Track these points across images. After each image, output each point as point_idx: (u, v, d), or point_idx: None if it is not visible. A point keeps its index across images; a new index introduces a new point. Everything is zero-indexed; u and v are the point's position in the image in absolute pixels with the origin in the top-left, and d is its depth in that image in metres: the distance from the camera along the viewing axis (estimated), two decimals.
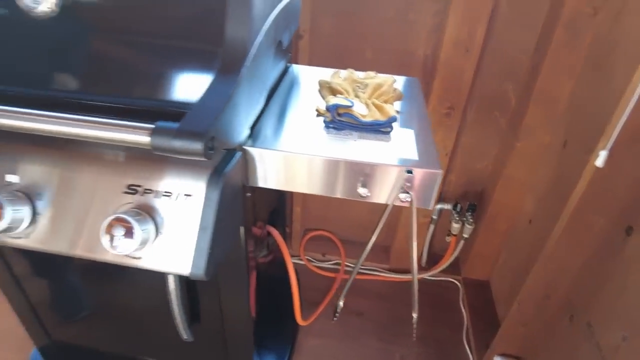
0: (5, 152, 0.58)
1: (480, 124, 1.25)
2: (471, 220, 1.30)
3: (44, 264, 0.87)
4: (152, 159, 0.56)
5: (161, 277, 0.68)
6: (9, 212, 0.54)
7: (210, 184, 0.53)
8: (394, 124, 0.68)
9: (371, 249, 0.70)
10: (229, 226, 0.62)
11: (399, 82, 0.88)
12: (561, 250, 0.94)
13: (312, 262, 1.54)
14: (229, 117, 0.54)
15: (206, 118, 0.50)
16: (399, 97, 0.75)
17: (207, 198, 0.53)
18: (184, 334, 0.78)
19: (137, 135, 0.49)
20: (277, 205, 1.07)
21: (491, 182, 1.30)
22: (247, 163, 0.62)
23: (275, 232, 0.93)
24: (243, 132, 0.62)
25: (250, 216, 0.74)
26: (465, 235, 1.33)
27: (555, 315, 1.02)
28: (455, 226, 1.32)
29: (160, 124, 0.49)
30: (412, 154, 0.63)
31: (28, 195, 0.57)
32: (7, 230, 0.55)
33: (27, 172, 0.57)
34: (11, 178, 0.57)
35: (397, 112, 0.74)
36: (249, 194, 0.67)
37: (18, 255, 0.85)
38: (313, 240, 1.55)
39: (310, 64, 1.18)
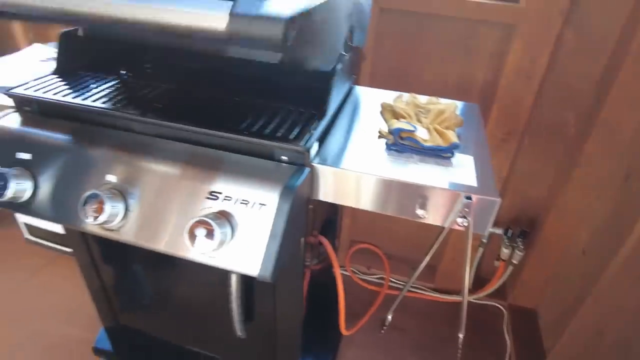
0: (107, 155, 0.67)
1: (537, 151, 1.24)
2: (522, 246, 1.29)
3: (119, 252, 0.96)
4: (234, 170, 0.62)
5: (223, 275, 0.74)
6: (108, 208, 0.62)
7: (282, 196, 0.59)
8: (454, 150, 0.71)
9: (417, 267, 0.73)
10: (293, 234, 0.67)
11: (459, 107, 0.91)
12: (618, 286, 0.92)
13: (357, 274, 1.57)
14: (311, 23, 0.52)
15: (290, 6, 0.48)
16: (459, 124, 0.78)
17: (279, 209, 0.59)
18: (239, 331, 0.83)
19: (214, 12, 0.47)
20: (331, 217, 1.12)
21: (545, 210, 1.29)
22: (313, 178, 0.67)
23: (326, 242, 0.98)
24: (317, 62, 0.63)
25: (310, 226, 0.79)
26: (515, 261, 1.32)
27: (608, 354, 0.99)
28: (505, 251, 1.31)
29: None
30: (472, 180, 0.65)
31: (122, 193, 0.65)
32: (104, 223, 0.63)
33: (124, 173, 0.65)
34: (110, 177, 0.65)
35: (458, 137, 0.77)
36: (311, 206, 0.72)
37: (98, 242, 0.95)
38: (359, 253, 1.58)
39: (371, 83, 1.22)
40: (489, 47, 1.14)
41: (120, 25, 0.52)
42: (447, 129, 0.73)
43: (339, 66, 0.73)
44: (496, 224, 1.36)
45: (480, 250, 1.41)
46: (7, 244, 1.68)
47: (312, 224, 0.82)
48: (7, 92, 0.75)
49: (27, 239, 1.67)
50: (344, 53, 0.87)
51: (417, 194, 0.64)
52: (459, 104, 0.92)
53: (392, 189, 0.65)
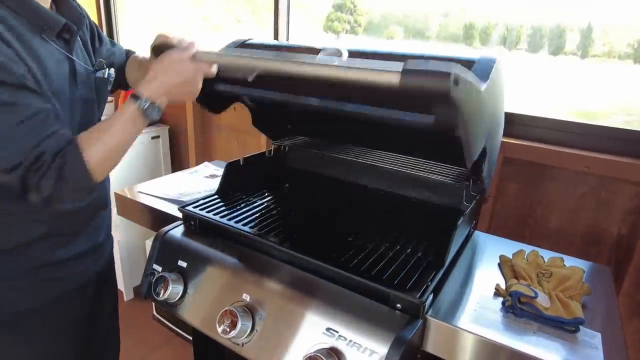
0: (245, 274, 0.78)
1: None
2: None
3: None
4: (351, 309, 0.68)
5: None
6: (239, 325, 0.71)
7: (392, 346, 0.62)
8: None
9: None
10: None
11: (586, 268, 0.86)
12: None
13: None
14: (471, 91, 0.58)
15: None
16: (586, 293, 0.74)
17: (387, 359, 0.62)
18: None
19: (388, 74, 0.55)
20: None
21: None
22: (425, 330, 0.69)
23: None
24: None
25: None
26: None
27: None
28: None
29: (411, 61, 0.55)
30: None
31: (252, 313, 0.74)
32: (234, 337, 0.72)
33: (256, 293, 0.75)
34: (245, 296, 0.76)
35: (584, 307, 0.73)
36: (419, 355, 0.73)
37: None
38: None
39: (490, 226, 1.23)
40: (624, 202, 1.09)
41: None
42: (571, 298, 0.71)
43: (460, 221, 0.77)
44: None
45: None
46: (139, 315, 1.91)
47: None
48: (180, 208, 0.94)
49: (154, 315, 1.89)
50: (467, 203, 0.92)
51: None
52: (586, 266, 0.87)
53: (505, 356, 0.63)
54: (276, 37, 1.61)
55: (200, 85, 0.78)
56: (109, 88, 0.89)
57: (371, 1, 1.98)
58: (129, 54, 0.99)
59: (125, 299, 1.98)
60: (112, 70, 0.89)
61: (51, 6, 0.75)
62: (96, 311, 0.94)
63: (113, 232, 0.99)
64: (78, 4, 0.83)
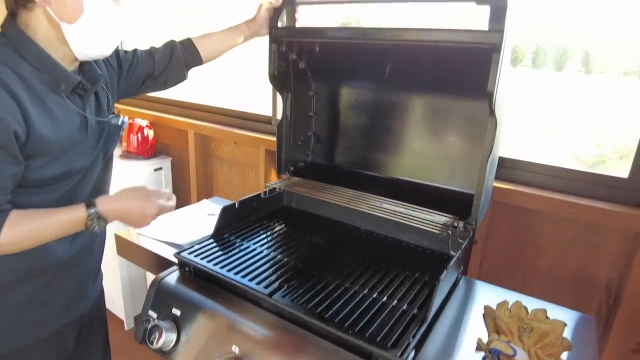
0: (235, 324, 0.81)
1: None
2: None
3: None
4: None
5: None
6: None
7: None
8: None
9: None
10: None
11: (570, 319, 0.87)
12: None
13: None
14: None
15: None
16: (566, 349, 0.76)
17: None
18: None
19: None
20: None
21: None
22: None
23: None
24: None
25: None
26: None
27: None
28: None
29: None
30: None
31: None
32: None
33: (245, 345, 0.78)
34: (235, 348, 0.78)
35: None
36: None
37: None
38: None
39: (480, 269, 1.25)
40: (614, 246, 1.11)
41: None
42: (550, 356, 0.73)
43: (443, 275, 0.80)
44: None
45: None
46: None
47: None
48: (175, 254, 0.97)
49: None
50: (453, 252, 0.94)
51: None
52: (571, 316, 0.89)
53: None
54: None
55: (150, 222, 0.85)
56: (121, 133, 0.93)
57: (375, 19, 2.04)
58: (152, 51, 1.03)
59: (126, 327, 2.01)
60: (126, 118, 0.94)
61: (77, 67, 0.82)
62: (82, 352, 0.97)
63: (116, 262, 1.00)
64: (101, 64, 0.89)
